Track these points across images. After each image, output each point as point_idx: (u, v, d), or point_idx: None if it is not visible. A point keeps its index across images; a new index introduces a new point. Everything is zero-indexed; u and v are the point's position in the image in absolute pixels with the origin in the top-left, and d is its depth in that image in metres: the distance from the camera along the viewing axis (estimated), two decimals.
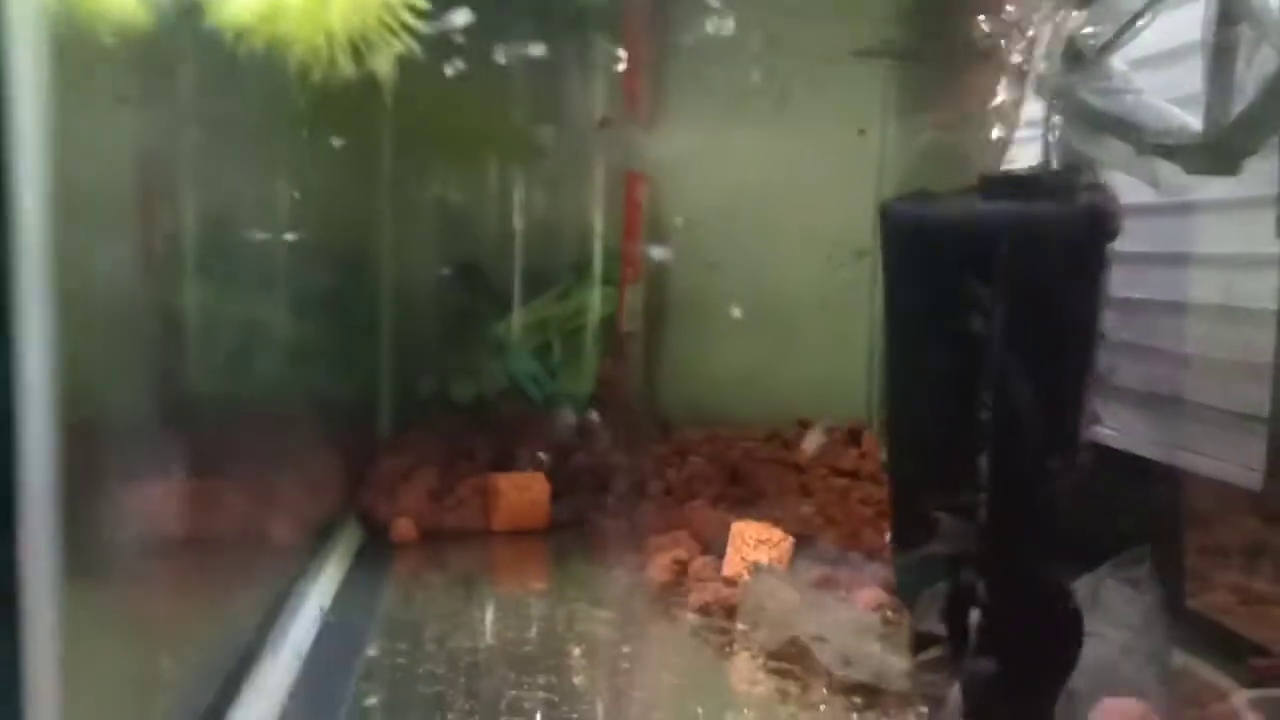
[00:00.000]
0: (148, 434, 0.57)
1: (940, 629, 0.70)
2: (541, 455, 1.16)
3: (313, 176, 0.99)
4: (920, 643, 0.72)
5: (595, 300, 1.39)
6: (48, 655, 0.40)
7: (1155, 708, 0.64)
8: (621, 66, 1.27)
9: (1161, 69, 0.76)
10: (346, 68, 0.59)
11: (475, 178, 1.40)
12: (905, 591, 0.81)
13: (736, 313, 1.24)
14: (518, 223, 1.39)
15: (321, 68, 0.60)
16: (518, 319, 1.37)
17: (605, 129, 1.40)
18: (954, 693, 0.68)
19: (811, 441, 1.32)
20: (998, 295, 0.63)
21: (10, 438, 0.39)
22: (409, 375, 1.38)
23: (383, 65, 0.58)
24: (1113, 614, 0.68)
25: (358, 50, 0.59)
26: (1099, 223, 0.63)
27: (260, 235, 0.84)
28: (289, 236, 0.89)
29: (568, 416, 1.30)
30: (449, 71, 0.92)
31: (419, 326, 1.40)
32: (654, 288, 1.47)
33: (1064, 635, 0.64)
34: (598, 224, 1.40)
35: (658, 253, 1.40)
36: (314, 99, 0.73)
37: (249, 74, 0.66)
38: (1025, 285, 0.63)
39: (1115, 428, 0.85)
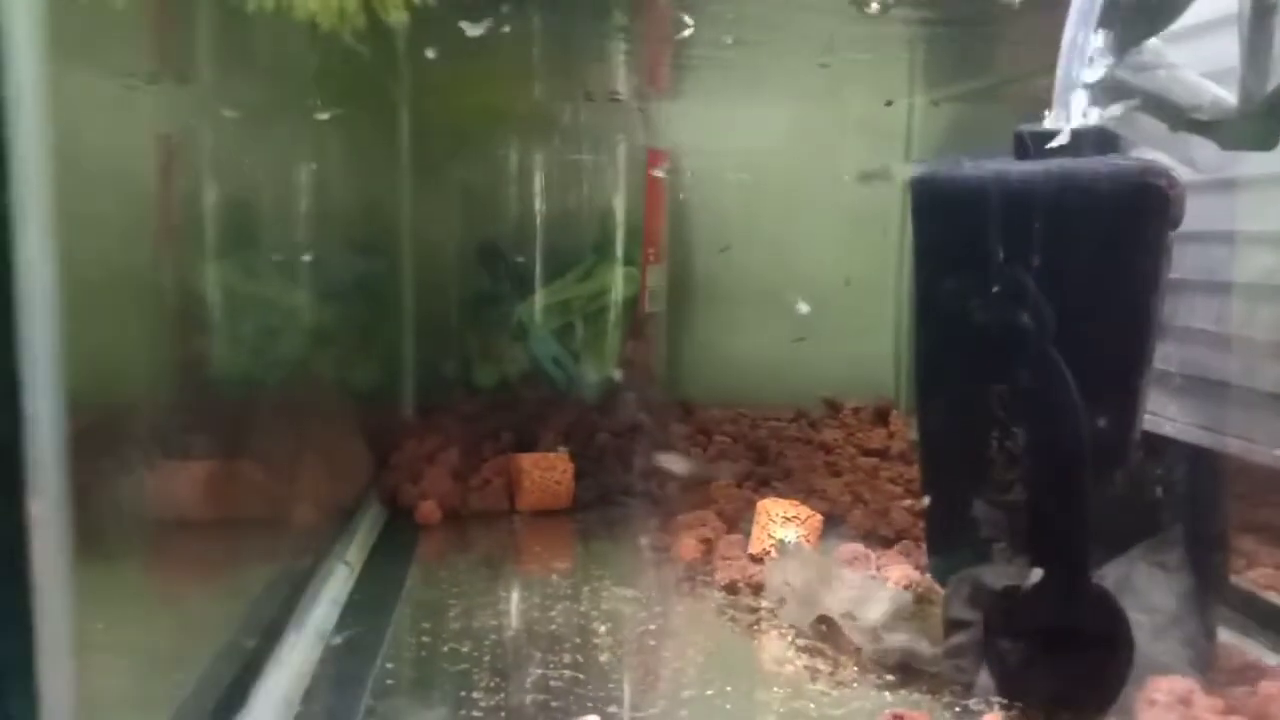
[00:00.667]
0: (174, 417, 0.57)
1: (968, 615, 0.68)
2: (562, 448, 1.14)
3: (333, 158, 0.98)
4: (949, 627, 0.70)
5: (617, 281, 1.38)
6: (60, 625, 0.39)
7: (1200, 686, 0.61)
8: (641, 39, 1.25)
9: (1195, 42, 0.73)
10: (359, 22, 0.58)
11: (495, 157, 1.39)
12: (938, 573, 0.79)
13: (803, 308, 1.19)
14: (538, 202, 1.37)
15: (334, 22, 0.58)
16: (540, 300, 1.36)
17: (615, 102, 1.37)
18: (983, 675, 0.66)
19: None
20: (1040, 265, 0.60)
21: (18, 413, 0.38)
22: (432, 358, 1.37)
23: (396, 15, 0.57)
24: (1143, 598, 0.66)
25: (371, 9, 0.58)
26: (1155, 189, 0.60)
27: (282, 216, 0.84)
28: (310, 218, 0.89)
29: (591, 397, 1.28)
30: (466, 46, 0.91)
31: (442, 309, 1.39)
32: (677, 267, 1.45)
33: (1114, 645, 0.62)
34: (619, 202, 1.39)
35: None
36: (330, 73, 0.72)
37: (268, 46, 0.65)
38: (1071, 252, 0.60)
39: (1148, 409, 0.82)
